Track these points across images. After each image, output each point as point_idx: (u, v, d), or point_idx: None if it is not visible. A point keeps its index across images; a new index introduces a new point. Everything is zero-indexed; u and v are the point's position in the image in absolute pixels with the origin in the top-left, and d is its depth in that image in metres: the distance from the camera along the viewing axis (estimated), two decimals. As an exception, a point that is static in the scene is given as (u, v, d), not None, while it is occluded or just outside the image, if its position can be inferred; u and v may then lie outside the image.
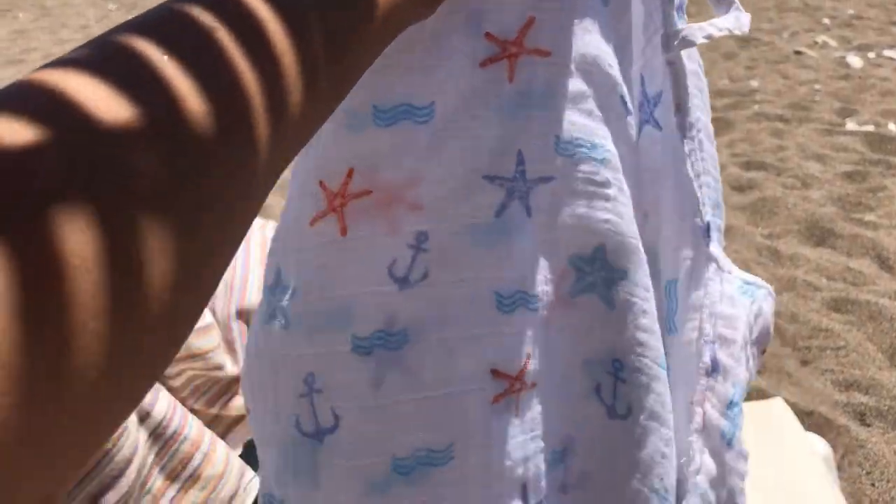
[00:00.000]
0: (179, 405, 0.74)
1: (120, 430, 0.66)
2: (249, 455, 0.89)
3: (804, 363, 1.96)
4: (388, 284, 0.43)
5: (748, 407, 1.15)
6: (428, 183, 0.43)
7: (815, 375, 1.91)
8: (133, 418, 0.68)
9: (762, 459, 1.02)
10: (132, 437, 0.67)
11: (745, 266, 2.38)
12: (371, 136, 0.42)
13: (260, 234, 1.01)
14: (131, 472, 0.67)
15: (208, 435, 0.75)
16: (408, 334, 0.43)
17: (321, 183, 0.43)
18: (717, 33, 0.49)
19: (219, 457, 0.74)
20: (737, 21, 0.51)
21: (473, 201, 0.44)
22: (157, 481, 0.71)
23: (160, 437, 0.71)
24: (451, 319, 0.44)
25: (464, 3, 0.43)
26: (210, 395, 0.85)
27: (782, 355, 1.98)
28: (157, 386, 0.72)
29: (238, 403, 0.85)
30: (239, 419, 0.87)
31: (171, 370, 0.82)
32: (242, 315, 0.88)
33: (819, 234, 2.55)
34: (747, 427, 1.10)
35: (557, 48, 0.44)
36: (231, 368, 0.86)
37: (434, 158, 0.43)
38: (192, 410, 0.85)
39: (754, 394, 1.79)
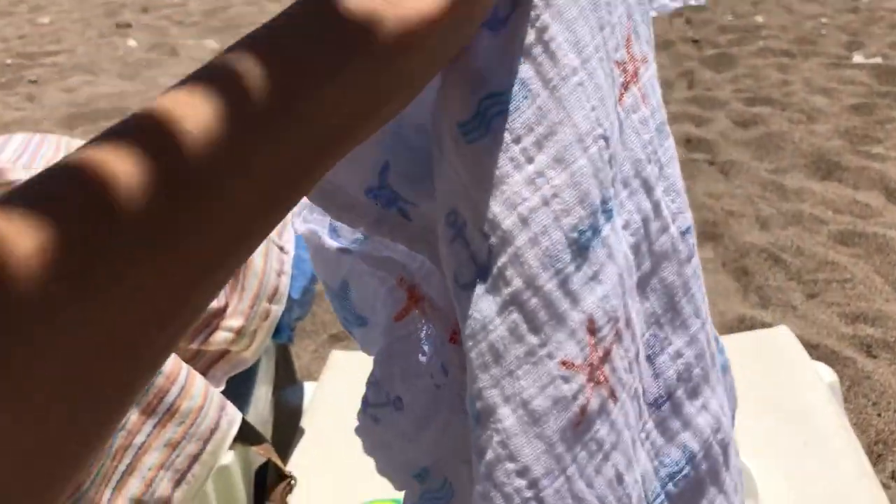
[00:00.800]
0: (153, 337, 0.70)
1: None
2: (232, 392, 0.86)
3: (810, 296, 1.92)
4: None
5: (753, 335, 1.12)
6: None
7: (820, 308, 1.87)
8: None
9: (768, 386, 0.99)
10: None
11: (750, 201, 2.33)
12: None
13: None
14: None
15: (184, 368, 0.71)
16: None
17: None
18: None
19: (196, 390, 0.71)
20: None
21: None
22: (131, 416, 0.67)
23: (133, 370, 0.67)
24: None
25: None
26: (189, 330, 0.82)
27: (787, 289, 1.94)
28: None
29: (219, 338, 0.81)
30: (221, 355, 0.84)
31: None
32: (221, 247, 0.84)
33: (825, 168, 2.50)
34: (752, 354, 1.07)
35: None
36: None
37: None
38: (172, 346, 0.82)
39: (759, 327, 1.76)
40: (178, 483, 0.69)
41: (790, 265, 2.02)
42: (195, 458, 0.70)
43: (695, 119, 2.91)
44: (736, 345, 1.09)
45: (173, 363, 0.70)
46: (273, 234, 0.90)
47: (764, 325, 1.77)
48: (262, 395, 1.02)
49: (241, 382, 0.96)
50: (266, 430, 1.51)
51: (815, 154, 2.57)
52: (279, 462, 0.86)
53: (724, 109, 2.98)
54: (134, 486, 0.67)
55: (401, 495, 0.45)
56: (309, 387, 1.21)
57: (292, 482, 0.87)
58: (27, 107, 3.48)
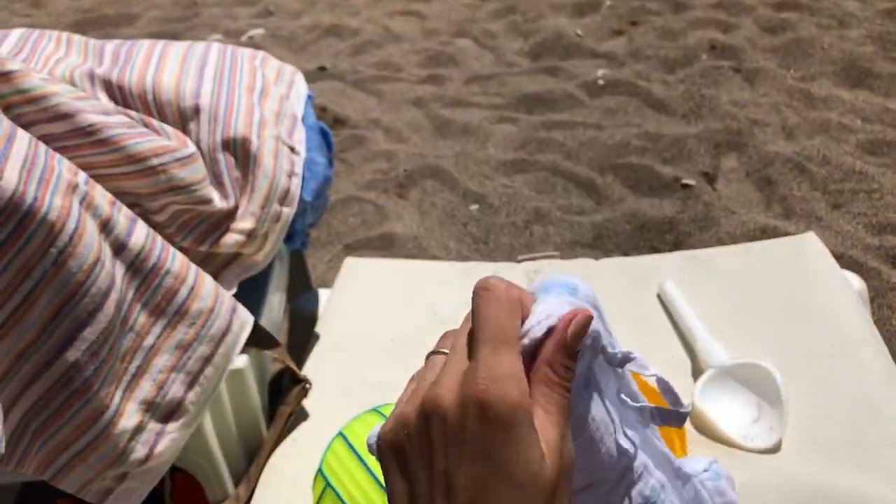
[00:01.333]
0: (159, 237, 0.68)
1: (92, 261, 0.60)
2: (245, 298, 0.84)
3: (835, 207, 1.87)
4: None
5: (780, 242, 1.08)
6: None
7: (846, 219, 1.83)
8: (107, 250, 0.63)
9: (795, 292, 0.96)
10: (107, 268, 0.62)
11: (776, 110, 2.25)
12: None
13: (249, 63, 0.92)
14: (109, 307, 0.62)
15: (193, 269, 0.69)
16: None
17: None
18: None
19: (206, 291, 0.69)
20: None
21: None
22: (139, 317, 0.66)
23: (139, 270, 0.65)
24: None
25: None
26: (199, 232, 0.79)
27: (812, 199, 1.89)
28: (133, 216, 0.66)
29: (230, 241, 0.79)
30: (232, 258, 0.82)
31: (152, 204, 0.75)
32: (228, 146, 0.81)
33: (855, 75, 2.40)
34: (779, 261, 1.03)
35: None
36: (220, 203, 0.79)
37: None
38: (182, 249, 0.80)
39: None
40: (190, 385, 0.68)
41: (815, 175, 1.96)
42: (207, 360, 0.69)
43: (720, 25, 2.80)
44: (762, 251, 1.05)
45: (182, 263, 0.68)
46: (283, 134, 0.86)
47: (787, 235, 1.73)
48: (276, 301, 1.00)
49: (253, 288, 0.94)
50: (280, 336, 1.51)
51: (844, 61, 2.47)
52: (294, 366, 0.85)
53: (751, 15, 2.86)
54: (145, 389, 0.66)
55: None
56: (324, 293, 1.19)
57: (307, 386, 0.86)
58: (34, 13, 3.40)
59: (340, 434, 0.68)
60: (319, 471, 0.67)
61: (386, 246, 1.83)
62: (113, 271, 0.62)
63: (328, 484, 0.65)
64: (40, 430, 0.63)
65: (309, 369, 0.94)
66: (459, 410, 0.32)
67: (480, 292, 0.36)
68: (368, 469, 0.63)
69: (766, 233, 1.78)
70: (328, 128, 1.09)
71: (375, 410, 0.69)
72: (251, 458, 0.87)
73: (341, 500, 0.63)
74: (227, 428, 0.83)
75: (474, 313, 0.36)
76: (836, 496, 0.72)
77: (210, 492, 0.83)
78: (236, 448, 0.85)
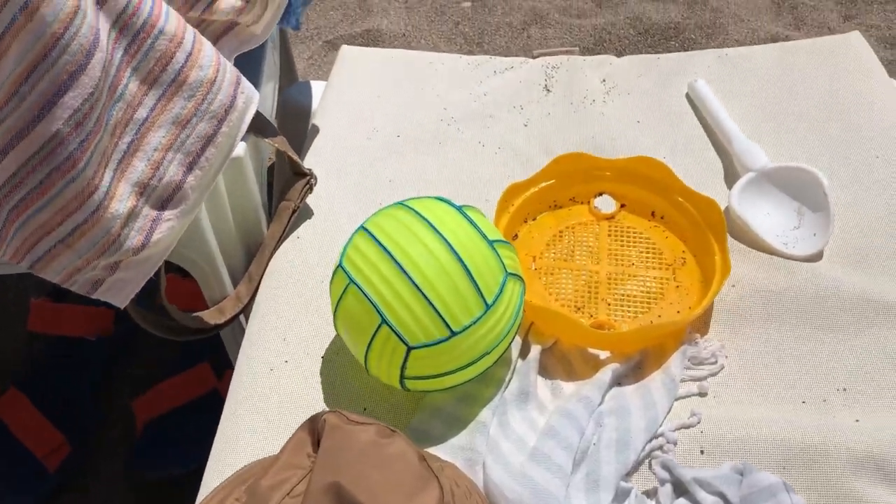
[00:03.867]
0: (149, -11, 0.56)
1: (70, 9, 0.49)
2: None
3: (847, 18, 1.76)
4: None
5: (824, 41, 0.99)
6: None
7: (859, 31, 1.73)
8: (88, -2, 0.51)
9: (839, 95, 0.89)
10: (89, 19, 0.51)
11: None
12: None
13: None
14: (94, 68, 0.51)
15: (191, 32, 0.58)
16: None
17: None
18: None
19: (206, 59, 0.58)
20: None
21: None
22: (130, 85, 0.55)
23: (128, 26, 0.54)
24: None
25: None
26: (189, -7, 0.67)
27: (823, 8, 1.78)
28: (116, -39, 0.54)
29: (226, 6, 0.67)
30: (228, 27, 0.70)
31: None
32: None
33: None
34: (822, 61, 0.95)
35: None
36: (213, -41, 0.66)
37: None
38: (168, 14, 0.68)
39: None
40: (189, 167, 0.59)
41: (830, -18, 1.84)
42: (209, 140, 0.59)
43: None
44: (803, 50, 0.97)
45: (178, 24, 0.57)
46: None
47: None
48: (269, 90, 0.89)
49: (245, 70, 0.83)
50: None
51: None
52: (296, 157, 0.76)
53: None
54: (139, 169, 0.57)
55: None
56: (317, 86, 1.09)
57: (312, 181, 0.78)
58: None
59: (363, 228, 0.61)
60: (340, 266, 0.60)
61: (370, 43, 1.69)
62: (96, 24, 0.51)
63: (351, 280, 0.58)
64: (17, 209, 0.54)
65: (309, 163, 0.86)
66: None
67: None
68: (396, 262, 0.57)
69: (776, 42, 1.68)
70: None
71: (401, 204, 0.62)
72: (251, 256, 0.80)
73: (366, 297, 0.57)
74: (225, 222, 0.75)
75: None
76: (880, 306, 0.69)
77: (207, 290, 0.77)
78: (235, 245, 0.78)
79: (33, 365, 1.09)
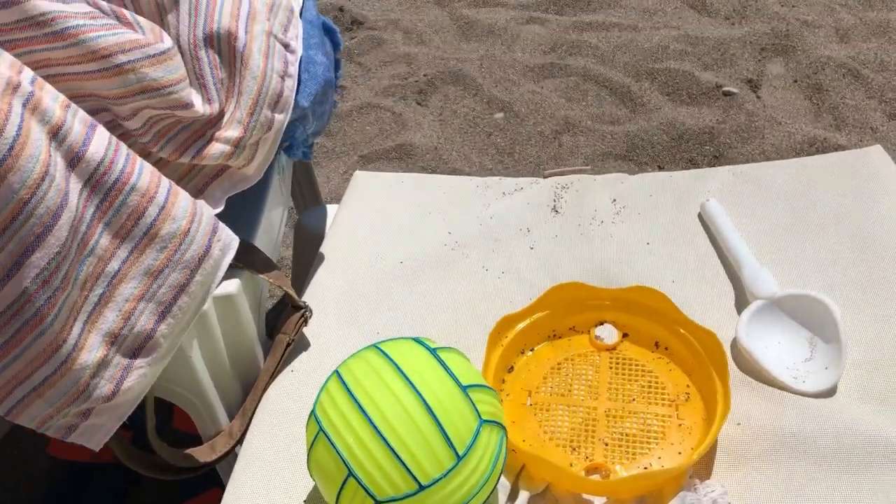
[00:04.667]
0: (124, 147, 0.58)
1: (38, 175, 0.51)
2: (238, 215, 0.75)
3: (892, 117, 1.72)
4: None
5: (841, 156, 0.96)
6: None
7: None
8: (58, 161, 0.53)
9: (857, 214, 0.85)
10: (57, 183, 0.53)
11: (829, 10, 2.07)
12: None
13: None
14: (61, 228, 0.53)
15: (165, 185, 0.60)
16: None
17: None
18: None
19: (180, 211, 0.60)
20: None
21: None
22: (101, 239, 0.57)
23: (99, 185, 0.56)
24: None
25: None
26: (179, 141, 0.69)
27: (866, 108, 1.75)
28: (91, 122, 0.57)
29: (214, 151, 0.69)
30: (219, 171, 0.72)
31: (122, 108, 0.65)
32: (212, 41, 0.70)
33: (919, -29, 2.20)
34: (839, 177, 0.92)
35: None
36: (202, 108, 0.69)
37: None
38: (160, 161, 0.70)
39: (832, 150, 1.59)
40: (162, 316, 0.60)
41: (871, 82, 1.81)
42: (181, 289, 0.60)
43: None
44: (819, 166, 0.94)
45: (151, 178, 0.58)
46: (276, 29, 0.75)
47: (839, 148, 1.60)
48: (276, 218, 0.91)
49: (249, 204, 0.85)
50: (285, 256, 1.43)
51: (908, -45, 2.26)
52: (292, 292, 0.77)
53: None
54: (109, 319, 0.58)
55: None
56: (332, 209, 1.10)
57: (307, 314, 0.78)
58: None
59: (336, 373, 0.60)
60: (312, 413, 0.59)
61: (403, 157, 1.73)
62: (66, 188, 0.53)
63: (321, 428, 0.57)
64: (-8, 362, 0.55)
65: (310, 294, 0.86)
66: None
67: None
68: (363, 411, 0.55)
69: (814, 145, 1.65)
70: (335, 26, 0.97)
71: (375, 347, 0.61)
72: (248, 389, 0.80)
73: (334, 448, 0.56)
74: (218, 358, 0.75)
75: None
76: (899, 449, 0.63)
77: (202, 426, 0.77)
78: (230, 380, 0.78)
79: (54, 488, 1.09)
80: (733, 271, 0.82)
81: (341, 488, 0.56)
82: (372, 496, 0.55)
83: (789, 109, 1.78)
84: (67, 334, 0.55)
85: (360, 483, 0.55)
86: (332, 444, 0.56)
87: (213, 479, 1.08)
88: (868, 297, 0.76)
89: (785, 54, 1.94)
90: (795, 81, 1.86)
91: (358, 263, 0.90)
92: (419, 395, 0.56)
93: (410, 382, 0.57)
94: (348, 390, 0.58)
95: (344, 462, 0.56)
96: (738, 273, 0.81)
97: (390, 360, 0.59)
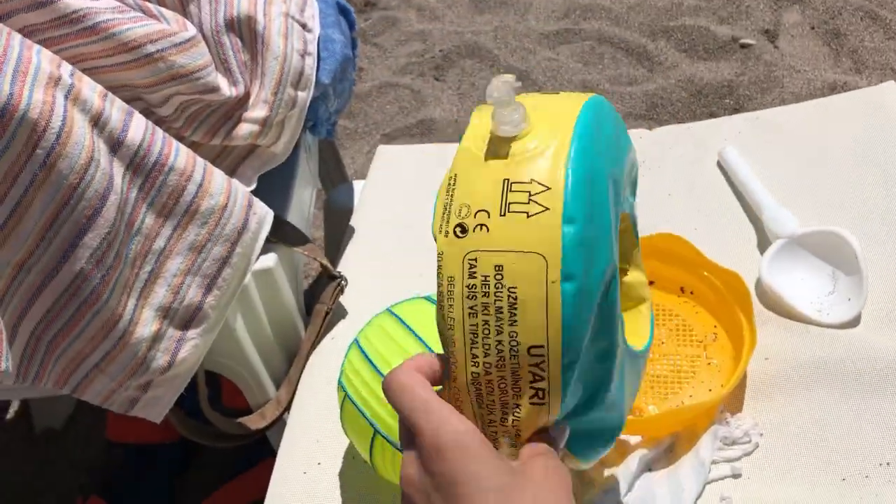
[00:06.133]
0: (160, 131, 0.62)
1: (84, 161, 0.55)
2: (270, 192, 0.78)
3: (912, 57, 1.71)
4: None
5: (856, 95, 0.97)
6: None
7: (922, 70, 1.67)
8: (101, 147, 0.57)
9: (876, 150, 0.86)
10: (103, 167, 0.56)
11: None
12: None
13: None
14: (109, 210, 0.56)
15: (201, 164, 0.63)
16: None
17: None
18: None
19: (217, 188, 0.63)
20: None
21: None
22: (146, 219, 0.60)
23: (140, 168, 0.60)
24: None
25: None
26: (209, 124, 0.73)
27: (886, 50, 1.73)
28: (129, 109, 0.60)
29: (243, 132, 0.73)
30: (249, 150, 0.76)
31: (154, 96, 0.69)
32: (233, 26, 0.73)
33: None
34: (856, 116, 0.92)
35: None
36: (228, 90, 0.72)
37: None
38: (193, 144, 0.74)
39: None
40: (208, 289, 0.63)
41: (890, 22, 1.79)
42: (224, 261, 0.64)
43: None
44: (835, 107, 0.95)
45: (187, 159, 0.62)
46: (293, 10, 0.78)
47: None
48: (306, 195, 0.94)
49: (279, 182, 0.89)
50: (317, 232, 1.47)
51: None
52: (326, 263, 0.80)
53: None
54: (160, 294, 0.61)
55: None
56: (359, 185, 1.13)
57: (342, 283, 0.81)
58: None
59: (355, 341, 0.63)
60: (339, 381, 0.63)
61: (425, 132, 1.75)
62: (110, 171, 0.57)
63: (346, 395, 0.61)
64: (54, 343, 0.60)
65: (344, 264, 0.89)
66: (425, 480, 0.37)
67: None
68: (381, 374, 0.59)
69: (835, 90, 1.64)
70: (349, 5, 1.00)
71: (388, 311, 0.64)
72: (291, 359, 0.83)
73: (360, 412, 0.59)
74: (261, 330, 0.79)
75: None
76: (924, 371, 0.65)
77: (250, 396, 0.80)
78: (274, 350, 0.82)
79: (113, 472, 1.14)
80: (754, 215, 0.84)
81: (371, 445, 0.60)
82: (399, 449, 0.58)
83: (808, 57, 1.77)
84: (122, 310, 0.59)
85: (386, 439, 0.59)
86: (357, 407, 0.60)
87: (262, 452, 1.13)
88: (890, 229, 0.78)
89: (801, 2, 1.92)
90: (813, 28, 1.85)
91: (388, 234, 0.93)
92: (430, 350, 0.59)
93: (422, 340, 0.60)
94: (367, 357, 0.61)
95: (370, 422, 0.59)
96: (758, 215, 0.82)
97: (402, 322, 0.62)
